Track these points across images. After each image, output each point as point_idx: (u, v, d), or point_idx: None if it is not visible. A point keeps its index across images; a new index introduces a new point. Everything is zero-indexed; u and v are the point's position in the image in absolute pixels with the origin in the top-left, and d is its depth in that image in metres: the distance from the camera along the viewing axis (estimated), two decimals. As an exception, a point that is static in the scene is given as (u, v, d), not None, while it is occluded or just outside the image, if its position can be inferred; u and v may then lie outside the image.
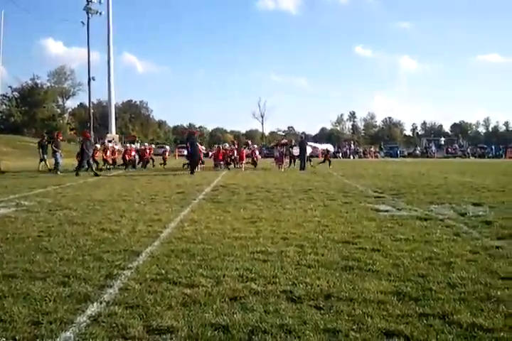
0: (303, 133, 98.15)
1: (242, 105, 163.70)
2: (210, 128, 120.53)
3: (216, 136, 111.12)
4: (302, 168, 24.93)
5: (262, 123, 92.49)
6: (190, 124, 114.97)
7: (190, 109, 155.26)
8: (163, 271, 4.80)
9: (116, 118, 69.01)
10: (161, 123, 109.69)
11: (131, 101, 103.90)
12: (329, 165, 27.38)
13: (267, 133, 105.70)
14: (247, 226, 7.36)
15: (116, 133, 68.91)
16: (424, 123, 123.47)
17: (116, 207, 9.48)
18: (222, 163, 26.20)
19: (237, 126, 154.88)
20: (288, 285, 4.37)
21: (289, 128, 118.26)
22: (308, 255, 5.50)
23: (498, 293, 4.12)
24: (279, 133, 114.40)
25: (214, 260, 5.28)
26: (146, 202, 10.29)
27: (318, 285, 4.36)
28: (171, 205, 9.83)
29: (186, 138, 23.26)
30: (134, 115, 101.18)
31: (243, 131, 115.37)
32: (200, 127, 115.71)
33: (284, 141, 30.08)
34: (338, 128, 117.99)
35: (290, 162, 27.61)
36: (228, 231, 6.90)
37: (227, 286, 4.35)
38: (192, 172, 20.72)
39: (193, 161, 21.78)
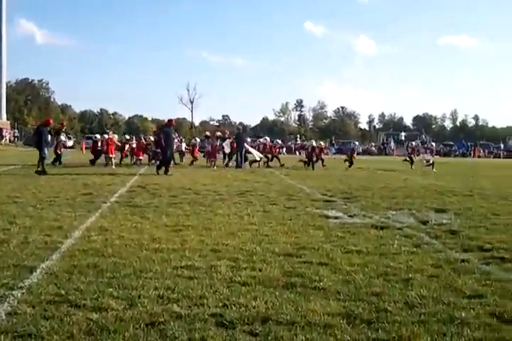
0: (240, 124, 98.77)
1: (167, 89, 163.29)
2: (126, 115, 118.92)
3: (134, 125, 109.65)
4: (239, 165, 25.01)
5: (192, 111, 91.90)
6: (101, 110, 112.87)
7: (102, 91, 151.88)
8: (62, 291, 4.67)
9: (7, 101, 66.58)
10: (64, 108, 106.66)
11: (28, 80, 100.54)
12: (349, 166, 27.05)
13: (197, 122, 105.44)
14: (169, 236, 7.29)
15: (8, 120, 66.52)
16: (383, 115, 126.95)
17: (5, 212, 9.14)
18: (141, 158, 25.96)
19: (160, 113, 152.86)
20: (218, 308, 4.36)
21: (224, 117, 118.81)
22: (243, 270, 5.51)
23: (463, 314, 4.29)
24: (211, 123, 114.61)
25: (128, 277, 5.19)
26: (43, 206, 9.99)
27: (254, 307, 4.37)
28: (75, 210, 9.59)
29: (160, 128, 22.46)
30: (30, 97, 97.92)
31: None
32: (114, 114, 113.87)
33: (219, 133, 30.05)
34: (283, 119, 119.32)
35: (224, 158, 27.60)
36: (146, 242, 6.81)
37: (143, 309, 4.28)
38: (166, 172, 19.45)
39: (167, 158, 20.37)
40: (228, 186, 15.05)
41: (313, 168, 25.76)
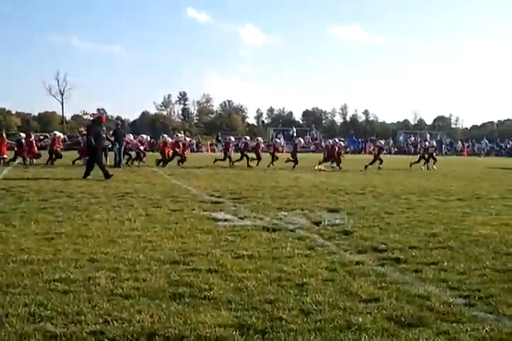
0: (118, 118, 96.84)
1: (33, 78, 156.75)
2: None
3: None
4: (117, 164, 24.54)
5: (62, 104, 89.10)
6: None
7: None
8: None
9: None
10: None
11: None
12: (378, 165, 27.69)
13: (68, 117, 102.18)
14: (40, 246, 7.02)
15: None
16: (271, 109, 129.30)
17: None
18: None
19: (26, 106, 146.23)
20: (98, 324, 4.24)
21: (99, 111, 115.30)
22: (125, 281, 5.41)
23: (360, 319, 4.43)
24: (85, 117, 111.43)
25: (-8, 294, 4.94)
26: None
27: (138, 322, 4.29)
28: None
29: (88, 128, 20.52)
30: None
31: (35, 114, 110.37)
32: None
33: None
34: (165, 113, 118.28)
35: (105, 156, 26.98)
36: (13, 253, 6.51)
37: (12, 329, 4.08)
38: (86, 176, 18.03)
39: (95, 159, 18.64)
40: (106, 187, 14.72)
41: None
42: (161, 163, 26.38)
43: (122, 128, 29.88)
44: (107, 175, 17.71)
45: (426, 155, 29.24)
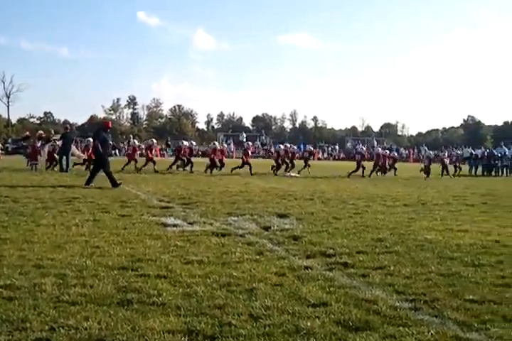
0: (65, 122, 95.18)
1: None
2: None
3: None
4: (64, 169, 24.12)
5: (8, 107, 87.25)
6: None
7: None
8: None
9: None
10: None
11: None
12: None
13: (14, 120, 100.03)
14: (-17, 251, 6.85)
15: None
16: (222, 114, 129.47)
17: None
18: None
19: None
20: (44, 331, 4.16)
21: (46, 114, 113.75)
22: (71, 288, 5.32)
23: (308, 323, 4.46)
24: (31, 120, 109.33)
25: None
26: None
27: (85, 328, 4.22)
28: None
29: (94, 134, 19.34)
30: None
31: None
32: None
33: (40, 132, 28.80)
34: (114, 117, 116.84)
35: (48, 160, 26.47)
36: (-45, 259, 6.33)
37: (-47, 338, 3.97)
38: (88, 183, 17.18)
39: (101, 165, 17.74)
40: (53, 192, 14.47)
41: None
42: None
43: (71, 132, 29.41)
44: (115, 183, 16.89)
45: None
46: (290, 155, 28.86)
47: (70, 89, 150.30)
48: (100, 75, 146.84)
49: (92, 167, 20.16)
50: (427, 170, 28.51)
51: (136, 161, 27.70)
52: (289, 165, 28.59)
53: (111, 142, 20.64)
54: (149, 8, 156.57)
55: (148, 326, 4.32)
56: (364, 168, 28.28)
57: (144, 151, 29.88)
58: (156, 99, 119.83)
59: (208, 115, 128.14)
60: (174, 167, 27.98)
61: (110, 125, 20.01)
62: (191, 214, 10.84)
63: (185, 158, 28.20)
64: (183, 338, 4.12)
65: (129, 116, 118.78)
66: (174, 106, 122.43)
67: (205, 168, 27.21)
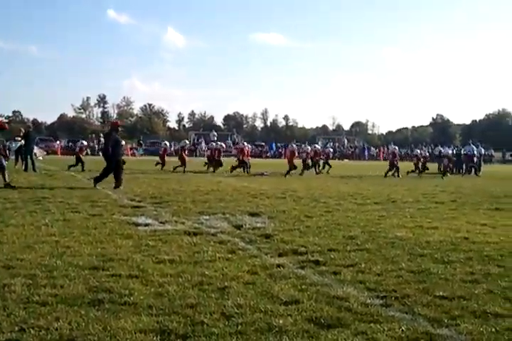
0: (34, 121, 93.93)
1: None
2: None
3: None
4: (26, 168, 23.77)
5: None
6: None
7: None
8: None
9: None
10: None
11: None
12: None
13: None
14: (-49, 252, 6.75)
15: None
16: (193, 113, 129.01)
17: None
18: None
19: None
20: (14, 333, 4.11)
21: (14, 113, 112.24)
22: (41, 288, 5.27)
23: (280, 321, 4.48)
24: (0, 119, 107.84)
25: None
26: None
27: (56, 329, 4.19)
28: None
29: (106, 135, 18.70)
30: None
31: None
32: None
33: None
34: (84, 116, 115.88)
35: (17, 159, 26.06)
36: None
37: None
38: (118, 185, 16.43)
39: (111, 167, 16.94)
40: (22, 192, 14.27)
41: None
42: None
43: (35, 131, 28.96)
44: (119, 184, 16.46)
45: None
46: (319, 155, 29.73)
47: (40, 87, 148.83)
48: (70, 74, 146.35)
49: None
50: (391, 166, 28.51)
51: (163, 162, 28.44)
52: (316, 165, 29.22)
53: (123, 143, 20.18)
54: (119, 6, 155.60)
55: (120, 326, 4.29)
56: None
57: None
58: (127, 98, 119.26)
59: (179, 114, 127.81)
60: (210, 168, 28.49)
61: (119, 123, 19.61)
62: (163, 214, 10.79)
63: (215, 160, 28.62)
64: (154, 338, 4.10)
65: (99, 115, 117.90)
66: (145, 105, 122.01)
67: (231, 168, 27.59)
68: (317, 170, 29.00)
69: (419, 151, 33.39)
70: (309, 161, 28.47)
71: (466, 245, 8.05)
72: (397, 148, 34.22)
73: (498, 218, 11.28)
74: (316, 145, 31.79)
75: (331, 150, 39.53)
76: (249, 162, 28.31)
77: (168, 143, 30.88)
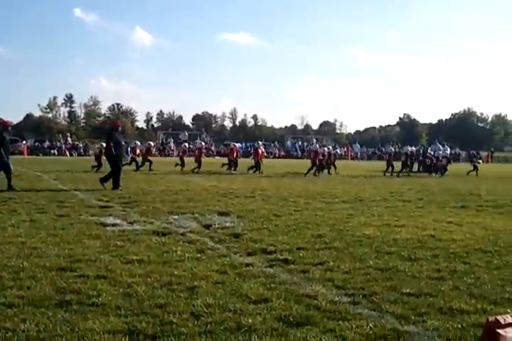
0: None
1: None
2: None
3: None
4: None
5: None
6: None
7: None
8: None
9: None
10: None
11: None
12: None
13: None
14: None
15: None
16: (161, 113, 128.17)
17: None
18: None
19: None
20: (-21, 335, 4.05)
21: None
22: (8, 290, 5.21)
23: (250, 320, 4.49)
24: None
25: None
26: None
27: (23, 331, 4.14)
28: None
29: (108, 135, 17.94)
30: None
31: None
32: None
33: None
34: (50, 116, 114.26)
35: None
36: None
37: None
38: (116, 187, 16.30)
39: (117, 169, 16.76)
40: (-13, 193, 14.05)
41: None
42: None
43: (5, 131, 28.49)
44: (117, 185, 16.35)
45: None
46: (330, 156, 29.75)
47: (5, 87, 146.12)
48: (36, 73, 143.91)
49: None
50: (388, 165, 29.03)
51: (182, 163, 28.56)
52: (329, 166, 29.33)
53: (124, 143, 19.98)
54: (86, 5, 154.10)
55: (88, 327, 4.26)
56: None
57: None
58: (94, 98, 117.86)
59: (148, 114, 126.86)
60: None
61: (118, 124, 19.60)
62: (131, 214, 10.73)
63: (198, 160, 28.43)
64: (123, 338, 4.08)
65: (66, 115, 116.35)
66: (113, 105, 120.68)
67: (248, 169, 28.26)
68: (330, 172, 29.20)
69: (409, 149, 33.71)
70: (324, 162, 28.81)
71: (432, 243, 8.15)
72: (392, 148, 34.79)
73: (463, 216, 11.46)
74: (330, 147, 32.08)
75: (338, 151, 39.86)
76: (262, 163, 28.85)
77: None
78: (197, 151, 29.38)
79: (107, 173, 16.85)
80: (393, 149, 33.71)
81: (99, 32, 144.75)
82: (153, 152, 27.60)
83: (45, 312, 4.59)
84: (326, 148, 30.56)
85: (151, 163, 27.78)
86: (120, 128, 18.51)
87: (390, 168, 28.97)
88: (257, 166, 28.32)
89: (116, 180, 16.48)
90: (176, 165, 28.68)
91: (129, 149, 31.75)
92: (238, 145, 34.20)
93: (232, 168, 28.31)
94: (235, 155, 28.84)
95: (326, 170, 28.61)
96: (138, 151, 28.93)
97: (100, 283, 5.54)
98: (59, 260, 6.49)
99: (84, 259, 6.55)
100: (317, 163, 27.53)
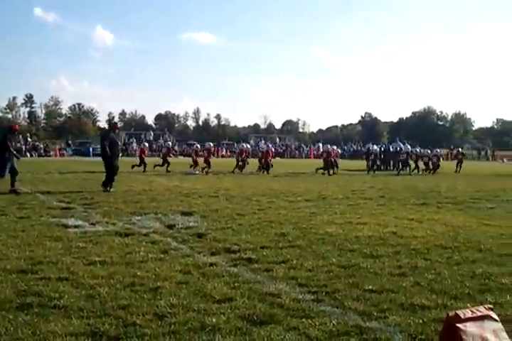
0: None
1: None
2: None
3: None
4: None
5: None
6: None
7: None
8: None
9: None
10: None
11: None
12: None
13: None
14: None
15: None
16: (123, 113, 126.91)
17: None
18: None
19: None
20: None
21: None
22: (-33, 294, 5.11)
23: (213, 319, 4.50)
24: None
25: None
26: None
27: (-17, 335, 4.07)
28: None
29: (103, 135, 17.93)
30: None
31: None
32: None
33: None
34: (10, 116, 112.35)
35: None
36: None
37: None
38: (109, 187, 16.08)
39: (113, 170, 16.49)
40: None
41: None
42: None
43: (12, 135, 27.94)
44: (110, 186, 16.15)
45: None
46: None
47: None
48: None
49: None
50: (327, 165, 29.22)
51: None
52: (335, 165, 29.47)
53: (120, 143, 19.79)
54: (47, 4, 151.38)
55: (50, 329, 4.22)
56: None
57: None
58: (55, 98, 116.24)
59: (110, 114, 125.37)
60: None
61: (117, 126, 19.63)
62: (93, 215, 10.62)
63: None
64: (86, 340, 4.05)
65: (27, 115, 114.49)
66: (74, 105, 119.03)
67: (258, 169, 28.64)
68: (334, 171, 29.24)
69: (375, 147, 34.29)
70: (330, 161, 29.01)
71: (394, 239, 8.27)
72: (377, 148, 35.33)
73: (424, 213, 11.64)
74: (334, 146, 32.43)
75: (339, 150, 40.19)
76: (271, 163, 29.18)
77: (212, 144, 31.67)
78: (206, 152, 29.31)
79: (105, 177, 16.53)
80: (378, 149, 34.14)
81: (60, 31, 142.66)
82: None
83: (5, 316, 4.53)
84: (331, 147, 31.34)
85: None
86: (118, 130, 18.49)
87: (375, 167, 29.78)
88: (266, 167, 28.46)
89: (110, 180, 16.29)
90: (133, 166, 27.54)
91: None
92: (272, 148, 35.39)
93: (240, 169, 28.62)
94: (243, 156, 29.23)
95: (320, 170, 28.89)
96: None
97: (62, 285, 5.48)
98: (20, 262, 6.40)
99: (46, 261, 6.47)
100: (328, 162, 28.19)
